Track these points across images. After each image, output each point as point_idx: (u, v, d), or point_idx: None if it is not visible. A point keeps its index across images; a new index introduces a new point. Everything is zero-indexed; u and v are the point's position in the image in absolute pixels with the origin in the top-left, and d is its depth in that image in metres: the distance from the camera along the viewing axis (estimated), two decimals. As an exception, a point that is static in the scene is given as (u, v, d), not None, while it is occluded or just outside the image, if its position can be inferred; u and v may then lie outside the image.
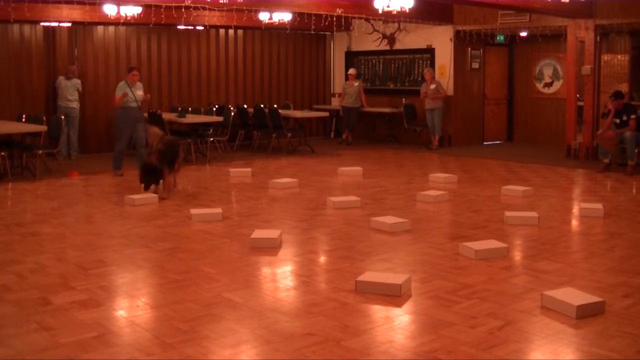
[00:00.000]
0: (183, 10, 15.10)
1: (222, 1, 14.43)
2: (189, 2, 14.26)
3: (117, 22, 16.16)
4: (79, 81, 17.12)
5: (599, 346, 5.38)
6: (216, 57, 20.31)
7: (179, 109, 18.20)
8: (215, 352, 5.27)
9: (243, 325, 5.80)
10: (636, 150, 14.73)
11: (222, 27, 19.34)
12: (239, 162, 16.02)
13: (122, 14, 15.18)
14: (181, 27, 18.37)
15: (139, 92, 14.25)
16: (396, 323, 5.96)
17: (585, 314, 5.94)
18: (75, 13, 16.09)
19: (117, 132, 14.48)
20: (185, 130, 16.70)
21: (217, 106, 19.00)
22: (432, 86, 18.97)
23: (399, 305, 6.32)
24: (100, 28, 18.05)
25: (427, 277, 7.20)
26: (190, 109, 18.53)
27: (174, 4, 14.77)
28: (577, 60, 17.36)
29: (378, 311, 6.16)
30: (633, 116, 14.86)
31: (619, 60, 18.74)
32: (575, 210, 11.29)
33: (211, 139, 17.07)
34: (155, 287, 7.05)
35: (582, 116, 17.53)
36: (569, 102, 17.65)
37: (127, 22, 16.13)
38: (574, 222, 10.51)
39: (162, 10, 15.81)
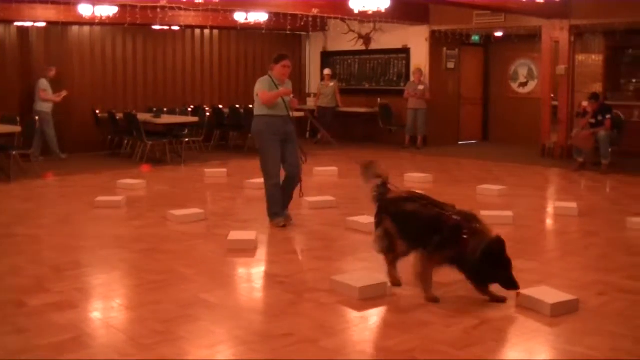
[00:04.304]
0: (158, 10, 15.08)
1: (197, 1, 14.40)
2: (165, 2, 14.22)
3: (92, 22, 16.10)
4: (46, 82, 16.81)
5: (574, 344, 5.43)
6: (192, 57, 20.26)
7: (154, 109, 18.12)
8: (192, 353, 5.26)
9: (219, 326, 5.80)
10: (610, 150, 14.84)
11: (197, 27, 19.31)
12: (215, 163, 15.99)
13: (98, 14, 15.14)
14: (157, 27, 18.30)
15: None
16: (372, 322, 5.98)
17: (560, 312, 5.98)
18: (50, 13, 16.01)
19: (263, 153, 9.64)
20: (161, 131, 16.63)
21: (192, 107, 18.97)
22: (421, 87, 19.04)
23: (375, 304, 6.32)
24: (75, 28, 17.93)
25: (403, 277, 7.21)
26: (165, 109, 18.50)
27: (149, 4, 14.73)
28: (552, 61, 17.46)
29: (354, 311, 6.17)
30: (608, 116, 15.00)
31: (593, 60, 18.86)
32: (550, 209, 11.34)
33: (187, 140, 17.03)
34: (131, 288, 7.02)
35: (557, 116, 17.62)
36: (544, 102, 17.76)
37: (103, 22, 16.07)
38: (549, 221, 10.57)
39: (138, 10, 15.76)
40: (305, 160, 9.91)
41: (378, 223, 6.88)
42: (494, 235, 6.25)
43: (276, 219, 9.51)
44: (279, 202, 9.52)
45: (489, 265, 6.17)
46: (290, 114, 9.49)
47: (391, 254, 6.84)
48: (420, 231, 6.50)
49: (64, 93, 16.73)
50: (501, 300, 6.35)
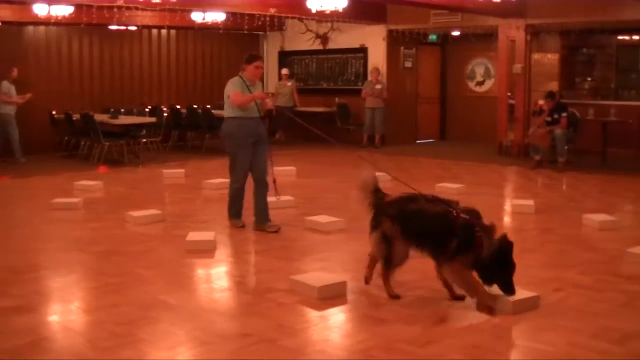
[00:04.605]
0: (115, 10, 14.99)
1: (154, 1, 14.34)
2: (121, 2, 14.13)
3: (47, 22, 15.94)
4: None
5: (533, 340, 5.49)
6: (149, 57, 20.16)
7: (112, 110, 17.99)
8: (152, 355, 5.25)
9: (179, 327, 5.79)
10: (566, 147, 15.00)
11: (154, 27, 19.21)
12: (173, 163, 15.92)
13: (53, 13, 14.99)
14: (113, 27, 18.18)
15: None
16: (332, 322, 5.99)
17: (521, 309, 6.03)
18: (5, 12, 15.84)
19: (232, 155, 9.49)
20: (118, 132, 16.53)
21: (150, 107, 18.88)
22: (378, 86, 19.09)
23: (334, 304, 6.34)
24: (30, 28, 17.78)
25: (362, 276, 7.23)
26: (122, 110, 18.37)
27: (105, 4, 14.64)
28: (509, 59, 17.62)
29: (313, 310, 6.19)
30: (564, 114, 15.16)
31: (549, 59, 19.05)
32: (508, 206, 11.44)
33: (144, 140, 16.95)
34: (90, 290, 6.98)
35: (513, 114, 17.77)
36: (501, 101, 17.91)
37: (58, 22, 15.91)
38: (507, 219, 10.65)
39: (94, 10, 15.59)
40: (272, 164, 9.76)
41: (374, 227, 6.60)
42: (501, 233, 6.14)
43: (235, 220, 9.50)
44: (240, 204, 9.50)
45: (497, 266, 6.01)
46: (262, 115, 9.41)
47: (390, 264, 6.52)
48: (427, 229, 6.29)
49: (28, 95, 16.57)
50: (460, 299, 6.36)
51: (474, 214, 6.20)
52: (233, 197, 9.46)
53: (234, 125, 9.17)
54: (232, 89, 9.13)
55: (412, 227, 6.36)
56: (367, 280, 6.79)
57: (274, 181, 9.65)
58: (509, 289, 6.03)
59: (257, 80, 9.41)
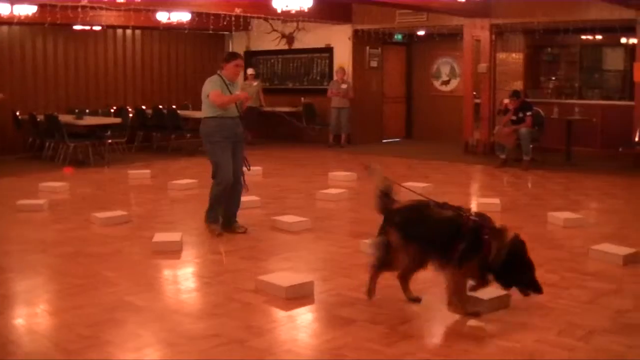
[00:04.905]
0: (79, 10, 14.87)
1: (119, 1, 14.27)
2: (85, 1, 14.04)
3: (10, 21, 15.79)
4: None
5: (501, 337, 5.52)
6: (114, 57, 20.03)
7: (77, 110, 17.86)
8: (118, 357, 5.23)
9: (146, 329, 5.77)
10: (531, 146, 15.11)
11: (119, 27, 19.11)
12: (138, 164, 15.84)
13: (16, 13, 14.85)
14: (78, 27, 18.06)
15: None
16: (299, 321, 6.00)
17: (494, 308, 6.07)
18: (-33, 12, 15.69)
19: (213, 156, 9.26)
20: (83, 133, 16.41)
21: (115, 108, 18.78)
22: (344, 86, 19.12)
23: (302, 303, 6.35)
24: (-8, 28, 17.65)
25: (329, 275, 7.26)
26: (87, 110, 18.24)
27: (70, 4, 14.52)
28: (474, 59, 17.74)
29: (281, 310, 6.19)
30: (529, 113, 15.29)
31: (513, 58, 19.18)
32: (474, 205, 11.47)
33: (109, 141, 16.85)
34: (55, 293, 6.94)
35: (479, 113, 17.88)
36: (466, 100, 18.02)
37: (22, 22, 15.78)
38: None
39: (58, 9, 15.51)
40: (248, 167, 9.57)
41: (380, 232, 6.39)
42: (513, 234, 5.98)
43: (213, 225, 9.19)
44: (221, 208, 9.24)
45: (512, 267, 5.85)
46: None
47: (382, 267, 6.35)
48: (437, 235, 6.02)
49: (0, 96, 16.45)
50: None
51: (484, 217, 6.05)
52: (216, 198, 9.14)
53: (213, 126, 8.97)
54: (212, 88, 8.91)
55: (419, 235, 6.10)
56: (371, 293, 6.43)
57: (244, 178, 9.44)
58: (535, 288, 5.93)
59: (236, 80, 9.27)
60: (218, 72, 9.19)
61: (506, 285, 5.99)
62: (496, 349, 5.36)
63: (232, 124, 9.03)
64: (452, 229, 5.94)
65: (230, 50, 22.25)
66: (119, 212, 10.15)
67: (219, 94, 8.84)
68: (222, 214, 9.30)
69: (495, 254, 5.82)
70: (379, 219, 10.01)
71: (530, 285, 5.92)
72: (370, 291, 6.41)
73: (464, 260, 5.88)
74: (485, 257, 5.84)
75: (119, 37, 20.06)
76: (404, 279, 6.38)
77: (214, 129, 8.95)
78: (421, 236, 6.08)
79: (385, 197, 6.48)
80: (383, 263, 6.31)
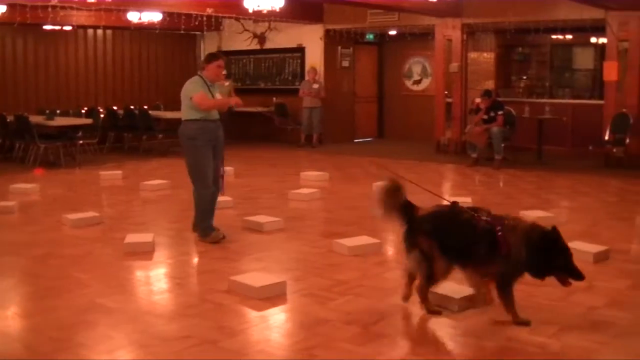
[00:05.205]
0: (49, 9, 14.80)
1: (89, 1, 14.20)
2: (56, 1, 13.96)
3: (-21, 21, 15.71)
4: None
5: (474, 335, 5.56)
6: (84, 57, 19.93)
7: (47, 111, 17.73)
8: (91, 359, 5.20)
9: (118, 331, 5.75)
10: (503, 145, 15.20)
11: (90, 27, 19.01)
12: (110, 165, 15.77)
13: (-15, 13, 14.76)
14: (48, 27, 17.96)
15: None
16: (272, 322, 6.00)
17: (467, 307, 6.09)
18: None
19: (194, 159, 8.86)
20: (54, 134, 16.30)
21: (86, 108, 18.69)
22: (315, 86, 19.14)
23: (274, 304, 6.35)
24: (-39, 28, 17.51)
25: (301, 275, 7.27)
26: (58, 111, 18.12)
27: (40, 3, 14.45)
28: (445, 58, 17.82)
29: (253, 311, 6.19)
30: (500, 112, 15.37)
31: (485, 58, 19.28)
32: (446, 204, 11.50)
33: (81, 142, 16.74)
34: (27, 295, 6.90)
35: (450, 112, 17.95)
36: (438, 99, 18.09)
37: (-9, 22, 15.69)
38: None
39: (28, 9, 15.37)
40: (223, 172, 9.27)
41: (410, 246, 6.01)
42: (529, 223, 5.75)
43: (212, 233, 8.79)
44: (213, 214, 8.90)
45: (543, 257, 5.56)
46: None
47: (432, 281, 5.96)
48: (458, 241, 5.83)
49: None
50: (526, 323, 5.72)
51: (498, 216, 5.79)
52: (205, 205, 8.78)
53: (195, 129, 8.60)
54: (195, 89, 8.59)
55: (450, 241, 5.86)
56: (407, 298, 6.18)
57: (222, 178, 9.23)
58: (572, 273, 5.60)
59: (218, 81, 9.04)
60: (199, 72, 8.99)
61: (538, 276, 5.77)
62: (469, 347, 5.39)
63: (214, 127, 8.77)
64: (468, 233, 5.77)
65: (202, 50, 22.25)
66: (90, 214, 10.09)
67: (205, 97, 8.56)
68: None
69: (513, 247, 5.59)
70: (351, 218, 10.07)
71: (568, 272, 5.61)
72: (406, 297, 6.17)
73: (483, 266, 5.74)
74: (504, 253, 5.59)
75: (90, 37, 19.97)
76: (424, 290, 6.04)
77: (195, 132, 8.60)
78: (448, 242, 5.86)
79: (406, 207, 6.14)
80: (430, 277, 5.93)
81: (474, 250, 5.76)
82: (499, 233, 5.61)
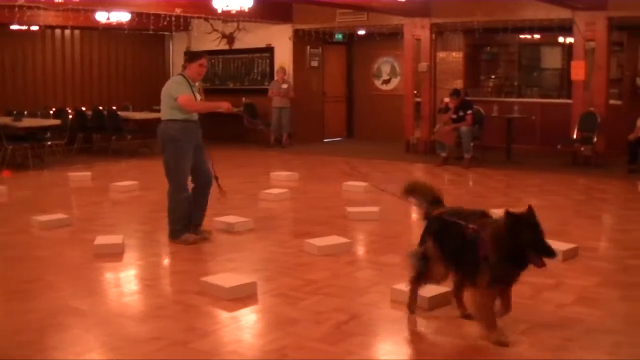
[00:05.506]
0: (16, 9, 14.69)
1: (57, 1, 14.11)
2: (22, 1, 13.87)
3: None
4: None
5: (444, 333, 5.60)
6: (52, 58, 19.80)
7: (15, 112, 17.60)
8: (61, 362, 5.19)
9: (89, 333, 5.72)
10: (472, 144, 15.28)
11: (58, 27, 18.90)
12: (79, 166, 15.67)
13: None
14: (15, 27, 17.82)
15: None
16: (243, 322, 6.00)
17: (437, 305, 6.11)
18: None
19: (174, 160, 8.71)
20: (22, 135, 16.18)
21: (54, 109, 18.56)
22: (284, 86, 19.14)
23: (245, 304, 6.34)
24: None
25: (272, 275, 7.27)
26: (26, 112, 17.98)
27: (6, 3, 14.35)
28: (414, 58, 17.88)
29: (224, 311, 6.19)
30: (469, 111, 15.48)
31: (453, 57, 19.39)
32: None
33: (49, 143, 16.63)
34: (-4, 297, 6.86)
35: (419, 112, 18.01)
36: (407, 99, 18.15)
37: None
38: (415, 215, 10.76)
39: (-6, 9, 15.32)
40: (215, 173, 9.08)
41: (421, 242, 5.85)
42: (501, 214, 5.30)
43: (183, 236, 8.63)
44: (187, 217, 8.77)
45: (510, 246, 5.13)
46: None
47: (422, 280, 5.82)
48: (451, 248, 5.58)
49: None
50: (504, 344, 5.30)
51: (482, 221, 5.43)
52: (180, 209, 8.67)
53: (177, 129, 8.44)
54: (179, 90, 8.42)
55: (445, 245, 5.64)
56: (463, 315, 5.86)
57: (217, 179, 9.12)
58: (546, 251, 5.12)
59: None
60: (181, 72, 8.84)
61: (514, 264, 5.25)
62: (439, 345, 5.42)
63: (195, 128, 8.66)
64: (458, 240, 5.47)
65: (171, 50, 22.20)
66: (59, 215, 10.03)
67: (191, 99, 8.42)
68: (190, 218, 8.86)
69: (490, 245, 5.22)
70: (321, 217, 10.09)
71: (539, 250, 5.11)
72: (411, 306, 5.99)
73: (477, 277, 5.33)
74: (486, 256, 5.22)
75: (58, 38, 19.84)
76: (458, 294, 5.89)
77: (177, 133, 8.45)
78: (445, 247, 5.66)
79: (432, 205, 5.94)
80: (421, 275, 5.81)
81: (464, 256, 5.47)
82: (481, 235, 5.30)
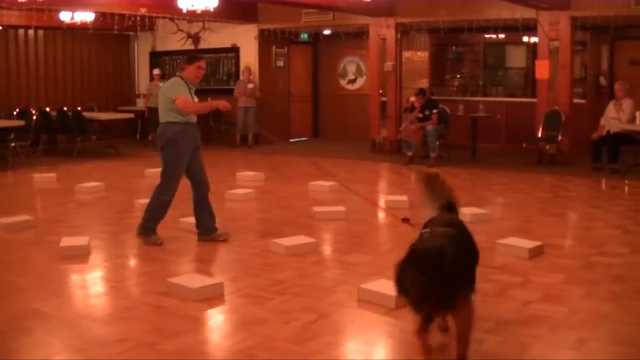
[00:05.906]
0: (-22, 10, 14.56)
1: (20, 0, 13.99)
2: (-16, 1, 13.76)
3: None
4: None
5: (409, 333, 5.57)
6: (15, 58, 19.60)
7: (-23, 113, 17.50)
8: (26, 365, 5.14)
9: (54, 336, 5.68)
10: (438, 143, 15.34)
11: (21, 27, 18.73)
12: (43, 168, 15.54)
13: None
14: (-23, 27, 17.69)
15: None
16: (210, 323, 5.99)
17: (403, 304, 6.10)
18: None
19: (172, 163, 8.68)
20: (-15, 136, 16.07)
21: (17, 110, 18.40)
22: (250, 85, 19.09)
23: (212, 305, 6.33)
24: None
25: (238, 276, 7.25)
26: (-11, 113, 17.87)
27: (-32, 3, 14.21)
28: (380, 57, 17.91)
29: (191, 312, 6.16)
30: (435, 110, 15.56)
31: (419, 57, 19.46)
32: (382, 202, 11.58)
33: (13, 144, 16.50)
34: (-41, 300, 6.78)
35: (385, 111, 18.06)
36: (373, 98, 18.17)
37: None
38: (381, 215, 10.80)
39: (-44, 9, 15.16)
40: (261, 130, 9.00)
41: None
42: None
43: (152, 236, 8.64)
44: (161, 219, 8.77)
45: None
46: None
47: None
48: None
49: None
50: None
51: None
52: (159, 210, 8.66)
53: (176, 132, 8.37)
54: (177, 92, 8.34)
55: None
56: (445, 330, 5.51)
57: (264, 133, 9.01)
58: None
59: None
60: (178, 73, 8.72)
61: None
62: (406, 344, 5.42)
63: (194, 129, 8.59)
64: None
65: (136, 50, 22.09)
66: (23, 217, 9.94)
67: (189, 100, 8.34)
68: (198, 223, 8.89)
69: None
70: (287, 217, 10.08)
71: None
72: (443, 328, 5.56)
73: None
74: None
75: (21, 38, 19.65)
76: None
77: (176, 135, 8.38)
78: None
79: (441, 208, 5.79)
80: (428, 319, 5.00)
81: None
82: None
